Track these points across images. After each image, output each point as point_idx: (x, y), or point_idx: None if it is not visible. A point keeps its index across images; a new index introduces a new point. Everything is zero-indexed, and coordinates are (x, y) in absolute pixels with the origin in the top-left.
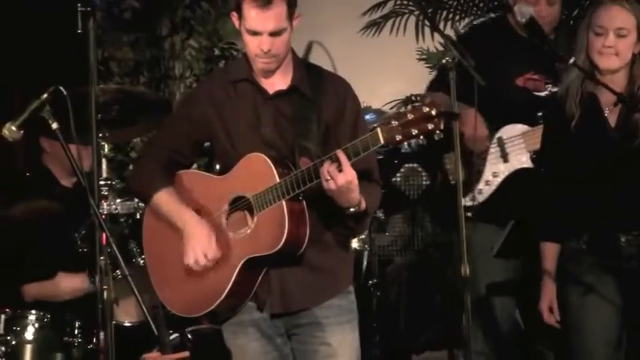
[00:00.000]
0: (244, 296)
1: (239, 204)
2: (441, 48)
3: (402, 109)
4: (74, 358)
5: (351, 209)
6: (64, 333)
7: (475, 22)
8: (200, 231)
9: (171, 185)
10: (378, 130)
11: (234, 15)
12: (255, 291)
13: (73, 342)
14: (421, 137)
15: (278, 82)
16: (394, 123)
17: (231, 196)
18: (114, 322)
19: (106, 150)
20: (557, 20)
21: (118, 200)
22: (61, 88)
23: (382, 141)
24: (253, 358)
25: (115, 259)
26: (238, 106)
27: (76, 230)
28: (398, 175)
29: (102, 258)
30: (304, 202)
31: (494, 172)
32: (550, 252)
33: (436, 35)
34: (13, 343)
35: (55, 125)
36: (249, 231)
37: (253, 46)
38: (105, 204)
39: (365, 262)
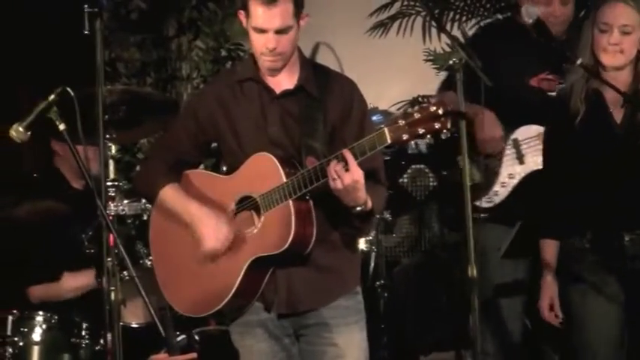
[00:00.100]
0: (251, 296)
1: (246, 204)
2: (447, 49)
3: (409, 109)
4: (81, 359)
5: (357, 208)
6: (71, 334)
7: (486, 23)
8: (207, 218)
9: (176, 183)
10: (385, 129)
11: (241, 13)
12: (262, 291)
13: (81, 343)
14: (428, 136)
15: (285, 82)
16: (401, 122)
17: (238, 195)
18: (121, 324)
19: (113, 151)
20: (570, 20)
21: (125, 201)
22: (68, 89)
23: (389, 140)
24: (261, 359)
25: (122, 261)
26: (245, 105)
27: (84, 232)
28: (405, 176)
29: (109, 259)
30: (311, 202)
31: (510, 174)
32: (550, 249)
33: (443, 36)
34: (21, 344)
35: (62, 126)
36: (255, 231)
37: (259, 44)
38: (112, 205)
39: (372, 263)
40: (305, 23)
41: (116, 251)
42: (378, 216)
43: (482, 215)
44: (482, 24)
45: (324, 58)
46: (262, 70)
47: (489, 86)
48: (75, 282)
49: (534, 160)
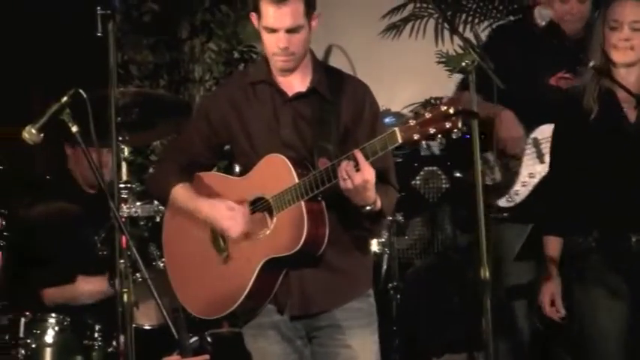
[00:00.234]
0: (264, 298)
1: (258, 205)
2: (460, 51)
3: (420, 109)
4: None
5: (367, 208)
6: (83, 336)
7: (498, 24)
8: (218, 208)
9: (188, 183)
10: (396, 129)
11: (253, 15)
12: (275, 293)
13: (93, 345)
14: (439, 136)
15: (297, 84)
16: (412, 122)
17: (250, 197)
18: (134, 325)
19: (126, 153)
20: (587, 17)
21: (138, 203)
22: (81, 91)
23: (400, 140)
24: None
25: (135, 263)
26: (257, 107)
27: (96, 233)
28: (417, 178)
29: (122, 261)
30: (323, 203)
31: (531, 173)
32: (554, 245)
33: (455, 38)
34: (33, 346)
35: (74, 128)
36: (268, 232)
37: (271, 43)
38: (125, 207)
39: (385, 266)
40: (317, 24)
41: (129, 253)
42: (390, 218)
43: (503, 214)
44: (494, 26)
45: (337, 61)
46: (275, 71)
47: (508, 86)
48: (90, 286)
49: None
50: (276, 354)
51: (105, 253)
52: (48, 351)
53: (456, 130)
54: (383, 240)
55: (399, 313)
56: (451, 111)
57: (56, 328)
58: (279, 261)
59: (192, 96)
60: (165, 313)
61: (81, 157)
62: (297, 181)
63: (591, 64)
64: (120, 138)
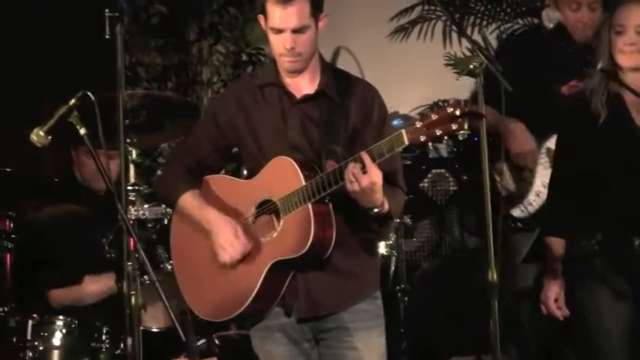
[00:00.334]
0: (272, 300)
1: (266, 207)
2: (468, 53)
3: (427, 111)
4: None
5: (375, 210)
6: (91, 339)
7: (512, 30)
8: (225, 228)
9: (196, 188)
10: (403, 131)
11: (260, 17)
12: (283, 296)
13: (101, 348)
14: (445, 138)
15: (305, 86)
16: (418, 124)
17: (257, 199)
18: (141, 328)
19: (134, 155)
20: (597, 25)
21: (146, 206)
22: (89, 93)
23: (406, 142)
24: None
25: (142, 265)
26: (265, 110)
27: (104, 236)
28: (425, 180)
29: (129, 263)
30: (330, 205)
31: (544, 183)
32: (557, 246)
33: (463, 40)
34: (41, 348)
35: (82, 131)
36: (275, 234)
37: (277, 44)
38: (132, 209)
39: (392, 268)
40: (324, 25)
41: (136, 255)
42: (397, 220)
43: (518, 225)
44: (501, 29)
45: (345, 63)
46: (282, 73)
47: (521, 94)
48: (96, 286)
49: None
50: (284, 356)
51: (113, 255)
52: (55, 353)
53: (462, 132)
54: (391, 242)
55: (406, 316)
56: (457, 112)
57: (64, 331)
58: (287, 263)
59: (200, 98)
60: (172, 316)
61: (84, 160)
62: (304, 183)
63: (599, 66)
64: (128, 140)
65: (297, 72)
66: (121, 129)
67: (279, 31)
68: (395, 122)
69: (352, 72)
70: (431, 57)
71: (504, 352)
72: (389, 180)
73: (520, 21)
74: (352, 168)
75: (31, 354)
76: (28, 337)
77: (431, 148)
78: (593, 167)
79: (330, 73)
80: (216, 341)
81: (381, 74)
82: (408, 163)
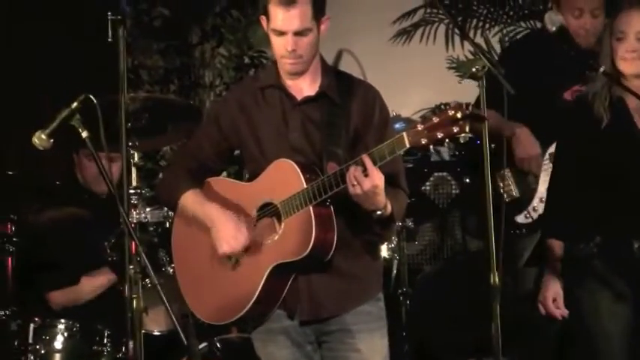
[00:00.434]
0: (273, 303)
1: (267, 210)
2: (470, 56)
3: (428, 114)
4: None
5: (377, 213)
6: (93, 342)
7: (514, 36)
8: (226, 221)
9: (197, 188)
10: (404, 134)
11: (263, 19)
12: (285, 298)
13: (102, 351)
14: (447, 141)
15: (306, 89)
16: (419, 127)
17: (259, 202)
18: (143, 331)
19: (136, 158)
20: (600, 32)
21: (148, 209)
22: (91, 96)
23: (407, 144)
24: None
25: (144, 268)
26: (267, 112)
27: (106, 239)
28: (427, 183)
29: (131, 267)
30: (332, 208)
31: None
32: (556, 247)
33: (466, 44)
34: (43, 352)
35: (84, 134)
36: (276, 237)
37: (279, 46)
38: (134, 212)
39: (394, 271)
40: (326, 28)
41: (138, 259)
42: (399, 223)
43: (523, 231)
44: (504, 32)
45: (347, 65)
46: (283, 75)
47: (525, 99)
48: (92, 282)
49: None
50: (286, 359)
51: (114, 258)
52: (57, 357)
53: (463, 135)
54: (393, 245)
55: (408, 319)
56: (459, 115)
57: (65, 334)
58: (288, 266)
59: (202, 101)
60: (174, 319)
61: (85, 163)
62: (305, 186)
63: (602, 69)
64: (130, 143)
65: (297, 74)
66: (123, 132)
67: (281, 33)
68: (397, 125)
69: (355, 75)
70: (433, 60)
71: (506, 355)
72: (391, 182)
73: (523, 24)
74: (354, 171)
75: (32, 357)
76: (30, 341)
77: (432, 151)
78: (594, 170)
79: (332, 75)
80: (218, 344)
81: (383, 77)
82: (410, 166)
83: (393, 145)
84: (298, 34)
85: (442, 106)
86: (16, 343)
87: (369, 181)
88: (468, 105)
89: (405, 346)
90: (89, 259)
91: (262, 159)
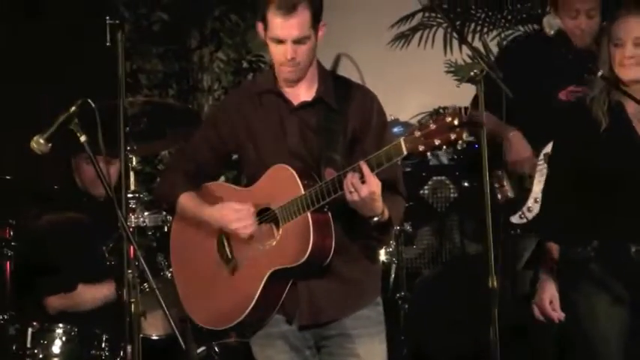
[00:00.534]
0: (271, 308)
1: (265, 216)
2: (469, 60)
3: (425, 120)
4: None
5: (375, 219)
6: (91, 346)
7: (513, 36)
8: (224, 210)
9: (195, 191)
10: (401, 140)
11: (259, 26)
12: (283, 303)
13: (100, 355)
14: (444, 147)
15: (303, 94)
16: (417, 133)
17: (256, 208)
18: (141, 335)
19: (134, 162)
20: (596, 32)
21: (146, 213)
22: (89, 100)
23: (405, 151)
24: None
25: (142, 272)
26: (264, 117)
27: (104, 243)
28: (426, 187)
29: (130, 271)
30: (329, 214)
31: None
32: (553, 250)
33: (464, 47)
34: (41, 356)
35: (83, 138)
36: (274, 243)
37: (278, 54)
38: (133, 217)
39: (393, 275)
40: (323, 34)
41: (136, 263)
42: (398, 227)
43: (518, 231)
44: (502, 36)
45: (346, 69)
46: (281, 81)
47: (520, 100)
48: (92, 293)
49: None
50: None
51: (113, 262)
52: None
53: (460, 142)
54: (391, 249)
55: (407, 323)
56: (456, 122)
57: (63, 338)
58: (286, 272)
59: (200, 105)
60: (172, 323)
61: (84, 167)
62: (303, 192)
63: (600, 73)
64: (128, 147)
65: (295, 81)
66: (121, 136)
67: (280, 41)
68: (395, 129)
69: (353, 79)
70: (431, 64)
71: (504, 359)
72: (389, 187)
73: (521, 28)
74: (351, 178)
75: None
76: (28, 345)
77: (430, 157)
78: (592, 174)
79: (330, 79)
80: (216, 349)
81: (381, 81)
82: (409, 170)
83: (390, 151)
84: (297, 42)
85: (440, 110)
86: (14, 348)
87: (366, 187)
88: (466, 109)
89: (404, 350)
90: (88, 264)
91: (260, 164)
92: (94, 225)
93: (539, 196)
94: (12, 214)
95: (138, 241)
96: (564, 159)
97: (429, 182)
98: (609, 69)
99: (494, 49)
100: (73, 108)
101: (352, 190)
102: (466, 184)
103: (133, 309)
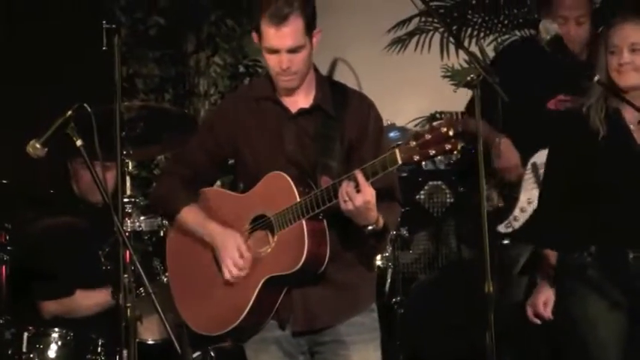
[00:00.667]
0: (266, 315)
1: (260, 223)
2: (465, 65)
3: (421, 129)
4: None
5: (370, 227)
6: (86, 351)
7: (507, 43)
8: (227, 241)
9: (194, 201)
10: (396, 150)
11: (255, 35)
12: (277, 309)
13: None
14: (439, 157)
15: (301, 101)
16: (412, 143)
17: (252, 214)
18: (137, 340)
19: (130, 167)
20: (586, 40)
21: (142, 218)
22: (86, 105)
23: (400, 161)
24: None
25: (138, 277)
26: (262, 123)
27: (100, 248)
28: (422, 192)
29: (125, 276)
30: (324, 221)
31: (529, 199)
32: (550, 256)
33: (461, 52)
34: None
35: (79, 142)
36: (269, 250)
37: (273, 64)
38: (129, 221)
39: (389, 280)
40: (318, 41)
41: (132, 268)
42: (394, 232)
43: (504, 241)
44: (499, 40)
45: (342, 74)
46: (278, 89)
47: (511, 108)
48: (88, 300)
49: None
50: None
51: (109, 267)
52: None
53: (455, 152)
54: (387, 254)
55: (402, 328)
56: (451, 133)
57: (59, 343)
58: (280, 279)
59: (197, 110)
60: (168, 328)
61: (80, 172)
62: (298, 199)
63: (596, 78)
64: (124, 152)
65: (293, 89)
66: (118, 141)
67: (275, 51)
68: (392, 134)
69: (349, 84)
70: (428, 69)
71: None
72: (386, 195)
73: (517, 33)
74: (346, 187)
75: None
76: (24, 350)
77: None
78: (590, 181)
79: (327, 86)
80: (212, 353)
81: (378, 86)
82: (405, 175)
83: (385, 161)
84: (291, 51)
85: (437, 115)
86: (10, 352)
87: (361, 196)
88: (462, 114)
89: (400, 355)
90: (84, 268)
91: (257, 170)
92: (90, 229)
93: (525, 205)
94: (8, 218)
95: (134, 245)
96: (561, 166)
97: (425, 187)
98: (606, 77)
99: (491, 54)
100: (69, 112)
101: (347, 199)
102: (462, 189)
103: (129, 313)
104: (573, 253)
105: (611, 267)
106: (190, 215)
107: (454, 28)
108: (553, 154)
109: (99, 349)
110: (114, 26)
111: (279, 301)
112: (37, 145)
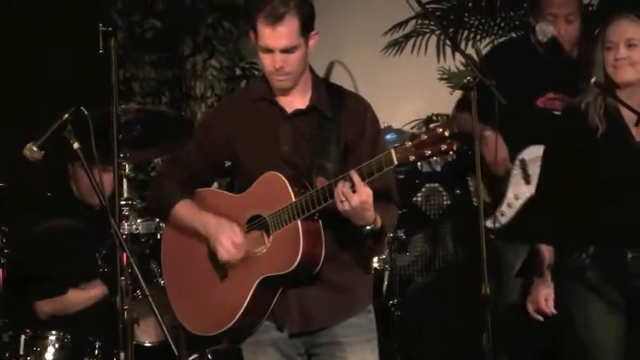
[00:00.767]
0: (261, 315)
1: (256, 223)
2: (462, 67)
3: (417, 131)
4: None
5: (367, 227)
6: (84, 353)
7: (497, 42)
8: (224, 226)
9: (189, 199)
10: (392, 150)
11: (252, 34)
12: (274, 311)
13: None
14: (435, 157)
15: (297, 102)
16: (408, 144)
17: (248, 214)
18: (134, 342)
19: (127, 170)
20: (575, 38)
21: (139, 220)
22: (82, 108)
23: (395, 161)
24: None
25: (135, 279)
26: (258, 124)
27: (97, 250)
28: (419, 194)
29: (122, 278)
30: (320, 222)
31: (516, 194)
32: (547, 254)
33: (457, 55)
34: None
35: (76, 145)
36: (265, 250)
37: (267, 63)
38: (126, 224)
39: (386, 282)
40: (315, 43)
41: (130, 270)
42: (391, 234)
43: (490, 236)
44: (495, 43)
45: (339, 77)
46: (274, 89)
47: (504, 105)
48: (81, 293)
49: None
50: None
51: (106, 270)
52: None
53: (451, 152)
54: (384, 256)
55: (399, 330)
56: (447, 133)
57: (56, 345)
58: (276, 279)
59: (193, 113)
60: (165, 330)
61: (80, 174)
62: (294, 199)
63: (593, 80)
64: (121, 155)
65: (287, 90)
66: (114, 144)
67: (269, 50)
68: (388, 136)
69: (346, 86)
70: (425, 71)
71: None
72: (383, 196)
73: (514, 35)
74: (342, 187)
75: None
76: (21, 352)
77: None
78: (589, 180)
79: (323, 87)
80: (209, 355)
81: (374, 88)
82: (402, 177)
83: (381, 161)
84: (286, 51)
85: (434, 117)
86: (7, 355)
87: (357, 197)
88: (455, 121)
89: (397, 357)
90: (82, 271)
91: (253, 171)
92: (87, 232)
93: (512, 201)
94: (5, 221)
95: (131, 248)
96: (559, 163)
97: (422, 189)
98: (603, 73)
99: None
100: (66, 115)
101: (343, 199)
102: (459, 191)
103: (126, 316)
104: (572, 254)
105: (610, 267)
106: (184, 209)
107: (451, 30)
108: (551, 150)
109: (96, 352)
110: (110, 29)
111: (275, 301)
112: (34, 148)
